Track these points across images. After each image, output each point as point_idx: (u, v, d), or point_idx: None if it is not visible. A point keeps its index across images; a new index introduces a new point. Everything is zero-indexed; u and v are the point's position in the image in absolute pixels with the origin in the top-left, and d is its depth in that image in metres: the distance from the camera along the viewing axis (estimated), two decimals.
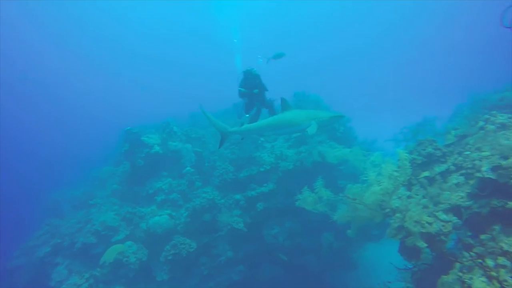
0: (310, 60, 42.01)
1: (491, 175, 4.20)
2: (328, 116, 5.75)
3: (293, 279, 8.84)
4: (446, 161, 5.70)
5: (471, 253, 3.61)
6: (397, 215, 4.57)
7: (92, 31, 40.20)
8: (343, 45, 42.49)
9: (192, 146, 11.35)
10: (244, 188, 9.27)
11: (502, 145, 4.24)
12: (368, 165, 6.13)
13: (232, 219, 8.55)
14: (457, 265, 3.95)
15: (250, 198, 8.86)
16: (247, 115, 7.90)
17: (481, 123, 6.31)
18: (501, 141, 4.33)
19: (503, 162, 4.07)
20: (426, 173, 5.64)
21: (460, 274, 3.75)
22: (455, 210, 4.72)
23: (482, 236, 3.92)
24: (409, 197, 4.90)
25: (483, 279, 3.22)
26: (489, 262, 3.31)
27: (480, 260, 3.37)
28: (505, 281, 2.97)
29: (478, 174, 4.54)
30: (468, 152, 5.55)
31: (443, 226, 4.46)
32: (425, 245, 4.35)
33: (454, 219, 4.60)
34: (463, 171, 5.31)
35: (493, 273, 3.12)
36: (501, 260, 3.18)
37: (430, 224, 4.43)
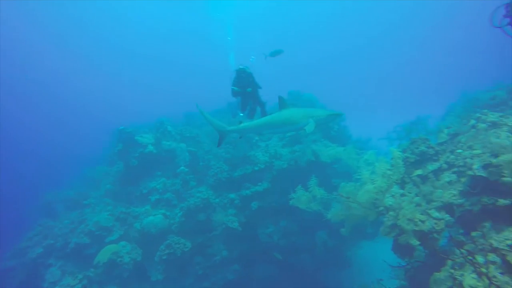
0: (305, 60, 42.06)
1: (482, 173, 4.25)
2: (326, 114, 5.76)
3: (288, 277, 8.86)
4: (439, 159, 5.76)
5: (462, 250, 3.65)
6: (391, 213, 4.60)
7: (87, 30, 39.91)
8: (337, 45, 42.68)
9: (187, 145, 11.30)
10: (238, 187, 9.26)
11: (493, 143, 4.28)
12: (362, 163, 6.17)
13: (227, 218, 8.54)
14: (449, 262, 3.99)
15: (245, 197, 8.86)
16: (241, 114, 7.90)
17: (472, 122, 6.39)
18: (492, 140, 4.38)
19: (493, 160, 4.12)
20: (419, 171, 5.69)
21: (452, 271, 3.79)
22: (447, 208, 4.76)
23: (473, 233, 3.97)
24: (402, 195, 4.94)
25: (474, 275, 3.25)
26: (479, 259, 3.35)
27: (470, 257, 3.41)
28: (494, 277, 3.01)
29: (469, 172, 4.59)
30: (460, 151, 5.61)
31: (435, 224, 4.50)
32: (418, 242, 4.39)
33: (447, 216, 4.64)
34: (455, 169, 5.36)
35: (483, 270, 3.15)
36: (491, 256, 3.22)
37: (423, 222, 4.47)
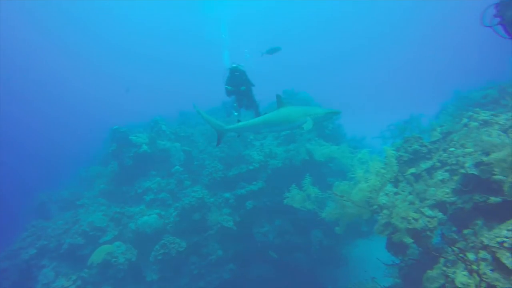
0: (299, 58, 42.11)
1: (474, 171, 4.29)
2: (324, 112, 5.77)
3: (283, 276, 8.88)
4: (432, 157, 5.81)
5: (453, 248, 3.69)
6: (384, 211, 4.63)
7: (82, 28, 39.63)
8: (331, 45, 42.91)
9: (181, 144, 11.27)
10: (233, 186, 9.25)
11: (484, 142, 4.32)
12: (356, 162, 6.19)
13: (222, 217, 8.52)
14: (442, 260, 4.03)
15: (240, 196, 8.85)
16: (236, 113, 7.87)
17: (465, 120, 6.46)
18: (483, 138, 4.42)
19: (485, 158, 4.16)
20: (412, 170, 5.74)
21: (444, 268, 3.83)
22: (440, 206, 4.81)
23: (465, 231, 4.01)
24: (396, 193, 4.97)
25: (465, 273, 3.29)
26: (471, 256, 3.39)
27: (462, 255, 3.45)
28: (485, 274, 3.04)
29: (462, 170, 4.64)
30: (452, 149, 5.66)
31: (428, 221, 4.54)
32: (412, 240, 4.42)
33: (440, 214, 4.69)
34: (448, 168, 5.41)
35: (474, 267, 3.19)
36: (482, 254, 3.25)
37: (416, 220, 4.50)
